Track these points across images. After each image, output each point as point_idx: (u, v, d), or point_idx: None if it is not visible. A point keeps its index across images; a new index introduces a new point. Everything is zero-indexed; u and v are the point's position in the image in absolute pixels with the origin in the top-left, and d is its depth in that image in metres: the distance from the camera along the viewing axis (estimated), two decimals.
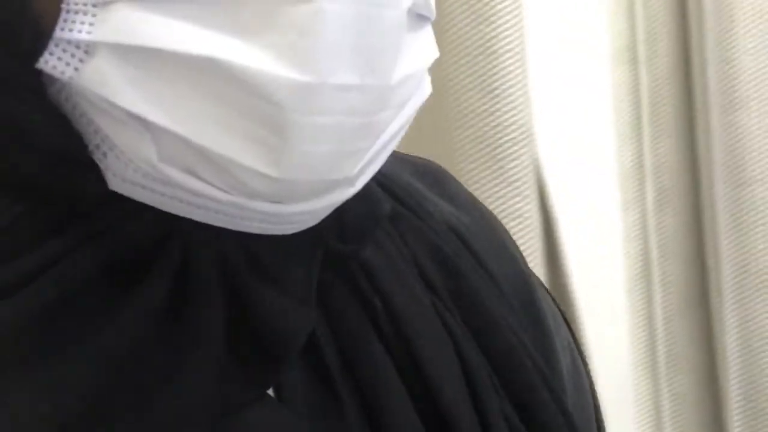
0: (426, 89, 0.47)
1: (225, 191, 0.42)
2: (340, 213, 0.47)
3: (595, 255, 1.28)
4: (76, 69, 0.41)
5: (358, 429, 0.47)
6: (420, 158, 0.58)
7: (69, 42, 0.40)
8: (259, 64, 0.40)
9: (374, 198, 0.49)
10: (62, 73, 0.41)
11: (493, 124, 1.06)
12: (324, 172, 0.43)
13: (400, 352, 0.49)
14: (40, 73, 0.41)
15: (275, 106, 0.41)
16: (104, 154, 0.42)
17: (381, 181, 0.50)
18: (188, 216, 0.43)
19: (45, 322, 0.43)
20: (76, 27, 0.40)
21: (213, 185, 0.42)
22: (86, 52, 0.40)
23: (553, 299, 0.59)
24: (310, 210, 0.44)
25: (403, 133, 0.47)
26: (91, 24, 0.40)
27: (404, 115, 0.46)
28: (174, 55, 0.40)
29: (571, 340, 0.58)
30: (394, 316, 0.49)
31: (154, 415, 0.43)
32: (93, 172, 0.42)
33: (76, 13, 0.40)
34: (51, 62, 0.41)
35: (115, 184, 0.42)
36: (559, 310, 0.59)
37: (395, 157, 0.50)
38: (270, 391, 0.46)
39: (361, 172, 0.45)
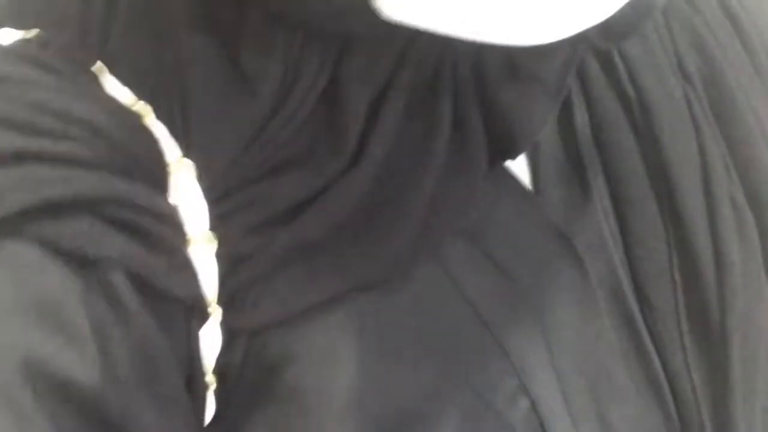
0: None
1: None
2: None
3: None
4: None
5: (604, 215, 0.52)
6: None
7: None
8: None
9: None
10: None
11: None
12: (577, 26, 0.44)
13: (647, 142, 0.53)
14: None
15: None
16: None
17: None
18: (454, 36, 0.45)
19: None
20: None
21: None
22: None
23: None
24: (564, 37, 0.45)
25: None
26: None
27: None
28: None
29: None
30: (647, 109, 0.53)
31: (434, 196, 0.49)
32: (370, 11, 0.45)
33: None
34: None
35: (388, 11, 0.45)
36: None
37: None
38: (527, 171, 0.52)
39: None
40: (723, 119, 0.55)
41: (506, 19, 0.43)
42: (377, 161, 0.48)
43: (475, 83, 0.49)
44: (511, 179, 0.52)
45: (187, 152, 0.47)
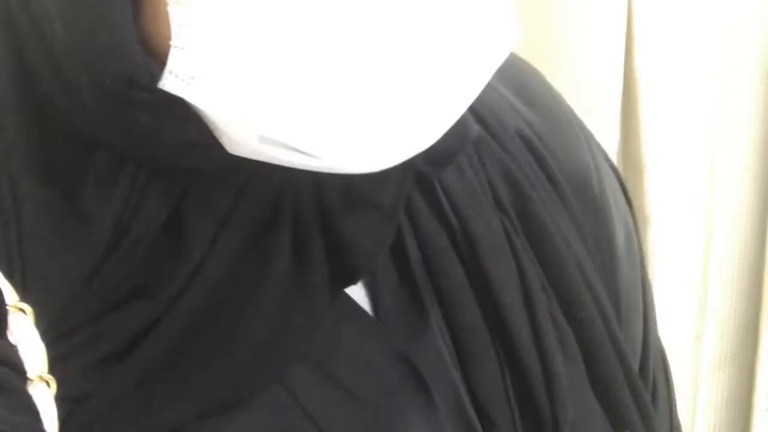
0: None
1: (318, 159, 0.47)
2: None
3: None
4: (186, 86, 0.45)
5: (442, 338, 0.54)
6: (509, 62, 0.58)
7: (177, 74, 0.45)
8: None
9: (463, 123, 0.52)
10: (176, 90, 0.46)
11: None
12: (406, 153, 0.48)
13: (472, 267, 0.56)
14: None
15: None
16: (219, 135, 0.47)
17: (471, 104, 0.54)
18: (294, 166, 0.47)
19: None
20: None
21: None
22: (192, 77, 0.45)
23: (618, 177, 0.66)
24: (395, 163, 0.48)
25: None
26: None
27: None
28: None
29: (628, 216, 0.66)
30: (469, 235, 0.56)
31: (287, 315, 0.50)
32: (216, 145, 0.47)
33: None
34: (167, 85, 0.46)
35: (233, 145, 0.47)
36: (622, 187, 0.66)
37: None
38: (366, 299, 0.54)
39: (445, 129, 0.49)
40: (536, 245, 0.58)
41: (342, 149, 0.46)
42: (210, 284, 0.49)
43: (315, 211, 0.51)
44: (354, 305, 0.53)
45: (23, 296, 0.47)
